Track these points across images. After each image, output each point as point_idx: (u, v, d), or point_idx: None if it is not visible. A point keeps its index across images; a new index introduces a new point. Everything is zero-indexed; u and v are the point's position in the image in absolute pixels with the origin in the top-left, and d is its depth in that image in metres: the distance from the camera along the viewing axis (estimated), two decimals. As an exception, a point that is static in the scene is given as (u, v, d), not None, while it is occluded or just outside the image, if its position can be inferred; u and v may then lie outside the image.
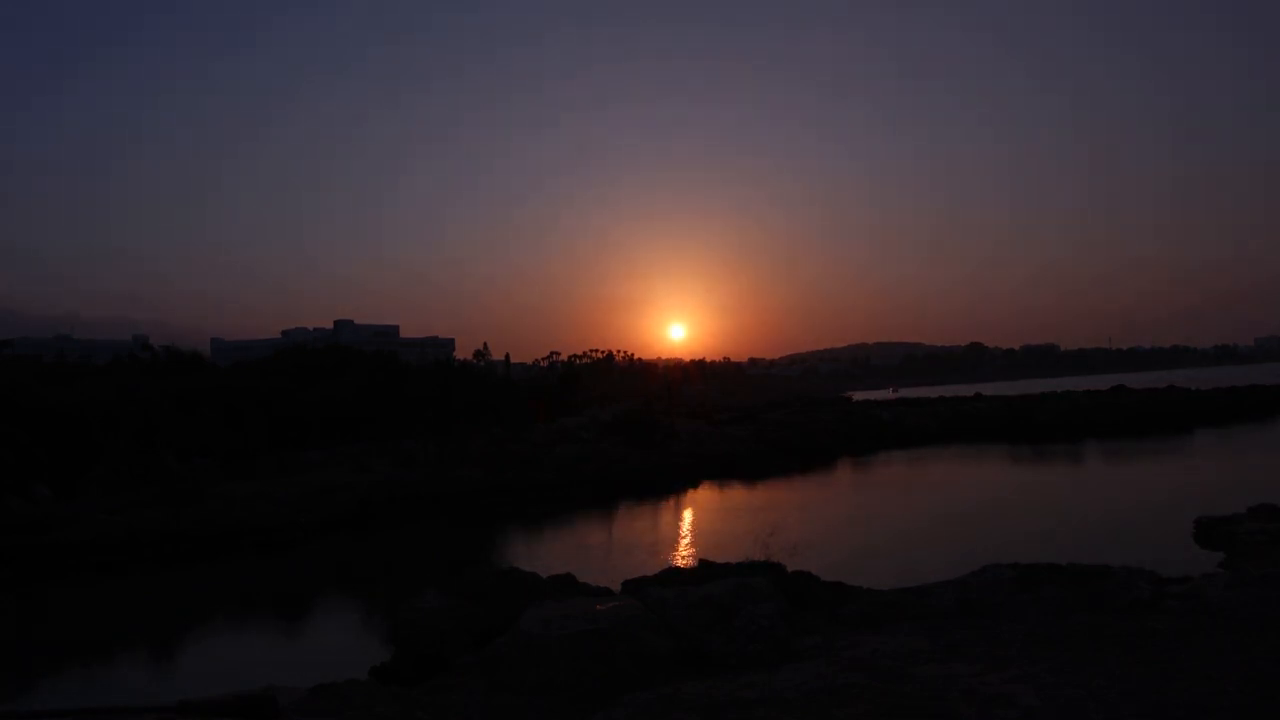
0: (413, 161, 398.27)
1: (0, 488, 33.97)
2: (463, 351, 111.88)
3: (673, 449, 54.13)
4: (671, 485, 45.69)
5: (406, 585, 27.70)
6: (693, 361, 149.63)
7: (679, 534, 32.78)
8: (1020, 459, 54.44)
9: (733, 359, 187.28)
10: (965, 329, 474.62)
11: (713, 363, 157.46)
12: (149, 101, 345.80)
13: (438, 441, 50.43)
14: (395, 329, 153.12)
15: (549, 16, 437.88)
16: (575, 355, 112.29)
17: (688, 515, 37.88)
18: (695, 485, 46.37)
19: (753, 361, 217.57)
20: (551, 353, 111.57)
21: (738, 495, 43.24)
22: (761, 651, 10.14)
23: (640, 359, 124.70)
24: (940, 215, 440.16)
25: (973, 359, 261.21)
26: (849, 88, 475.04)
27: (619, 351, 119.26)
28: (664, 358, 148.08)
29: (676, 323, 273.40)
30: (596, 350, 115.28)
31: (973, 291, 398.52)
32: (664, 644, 10.80)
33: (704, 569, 15.29)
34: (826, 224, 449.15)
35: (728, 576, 13.59)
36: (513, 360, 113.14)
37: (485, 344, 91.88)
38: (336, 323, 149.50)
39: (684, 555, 27.56)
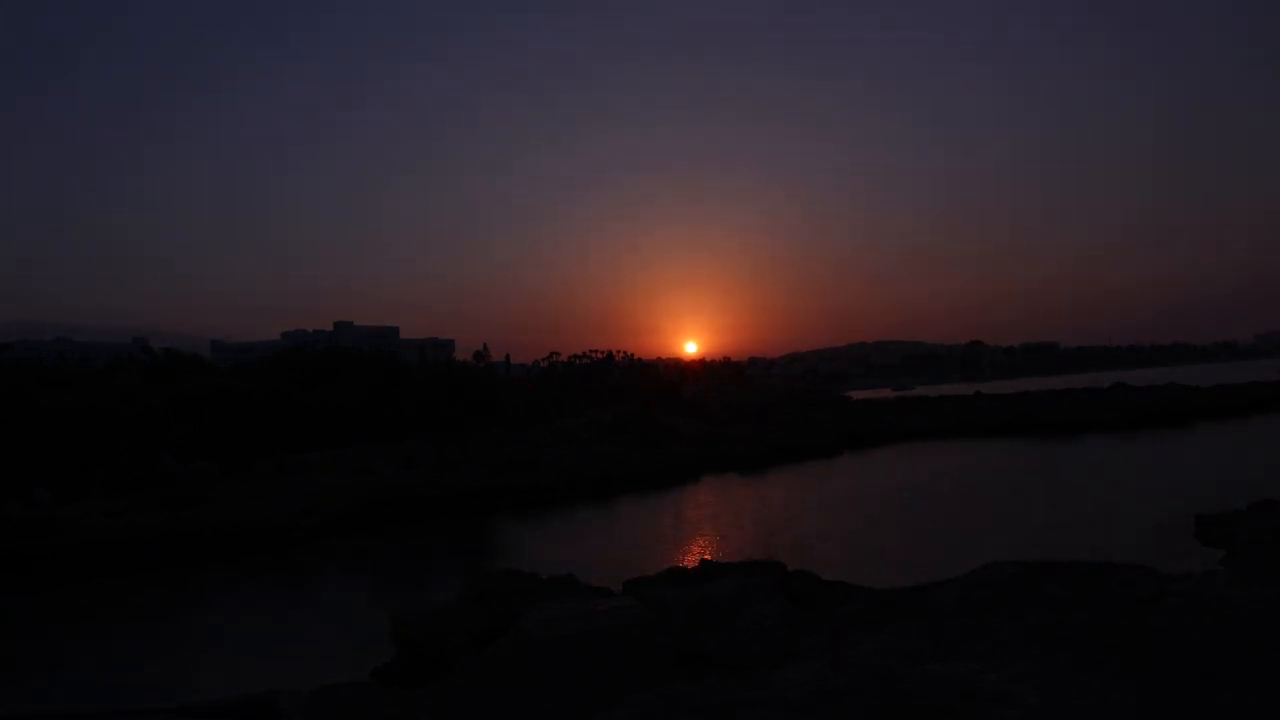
0: (414, 164, 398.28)
1: (0, 491, 33.97)
2: (463, 353, 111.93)
3: (673, 449, 54.14)
4: (672, 485, 45.69)
5: (407, 586, 27.78)
6: (693, 362, 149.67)
7: (679, 534, 32.75)
8: (1021, 457, 54.40)
9: (733, 359, 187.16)
10: (965, 327, 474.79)
11: (713, 363, 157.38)
12: (151, 103, 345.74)
13: (438, 443, 50.44)
14: (395, 330, 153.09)
15: (555, 23, 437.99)
16: (575, 356, 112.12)
17: (688, 515, 37.85)
18: (696, 485, 46.36)
19: (753, 361, 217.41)
20: (551, 353, 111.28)
21: (738, 495, 43.21)
22: (762, 651, 10.12)
23: (641, 359, 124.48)
24: (941, 214, 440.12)
25: (973, 357, 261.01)
26: (849, 89, 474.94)
27: (619, 352, 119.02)
28: (663, 358, 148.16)
29: (678, 326, 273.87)
30: (596, 351, 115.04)
31: (973, 289, 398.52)
32: (664, 644, 10.79)
33: (705, 569, 15.28)
34: (826, 224, 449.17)
35: (728, 576, 13.59)
36: (513, 361, 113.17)
37: (485, 345, 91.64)
38: (336, 324, 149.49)
39: (685, 555, 27.55)
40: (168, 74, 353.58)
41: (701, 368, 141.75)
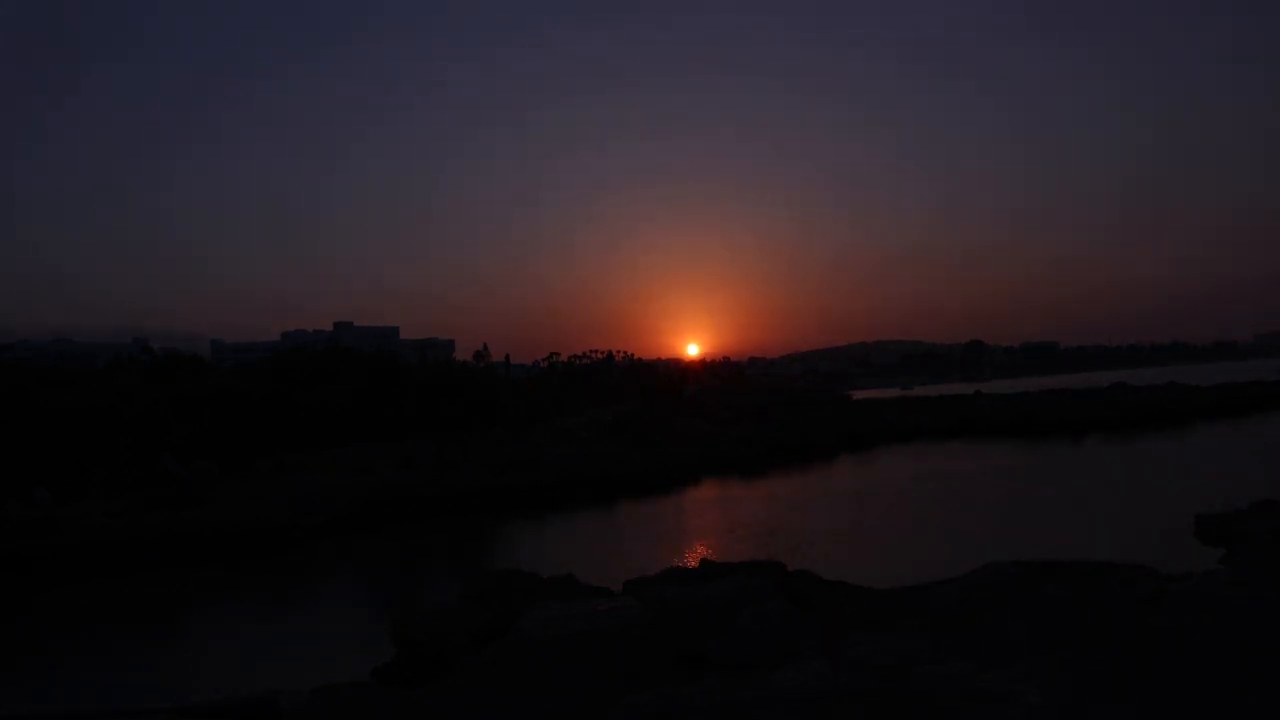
0: (414, 166, 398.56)
1: (0, 491, 33.97)
2: (463, 353, 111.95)
3: (673, 449, 54.11)
4: (672, 485, 45.65)
5: (407, 586, 27.79)
6: (693, 362, 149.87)
7: (680, 534, 32.75)
8: (1021, 457, 54.39)
9: (733, 358, 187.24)
10: (965, 327, 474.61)
11: (713, 362, 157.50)
12: (152, 105, 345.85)
13: (438, 442, 50.44)
14: (395, 330, 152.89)
15: (557, 29, 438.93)
16: (575, 355, 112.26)
17: (688, 515, 37.85)
18: (696, 485, 46.35)
19: (753, 361, 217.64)
20: (551, 353, 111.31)
21: (738, 495, 43.20)
22: (762, 651, 10.12)
23: (641, 359, 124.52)
24: (941, 213, 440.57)
25: (973, 357, 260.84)
26: (847, 90, 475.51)
27: (619, 352, 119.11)
28: (664, 358, 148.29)
29: (678, 326, 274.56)
30: (596, 351, 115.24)
31: (973, 290, 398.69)
32: (664, 644, 10.79)
33: (705, 569, 15.27)
34: (826, 224, 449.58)
35: (728, 576, 13.58)
36: (513, 361, 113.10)
37: (485, 345, 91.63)
38: (336, 324, 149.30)
39: (685, 555, 27.55)
40: (168, 75, 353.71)
41: (702, 368, 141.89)
